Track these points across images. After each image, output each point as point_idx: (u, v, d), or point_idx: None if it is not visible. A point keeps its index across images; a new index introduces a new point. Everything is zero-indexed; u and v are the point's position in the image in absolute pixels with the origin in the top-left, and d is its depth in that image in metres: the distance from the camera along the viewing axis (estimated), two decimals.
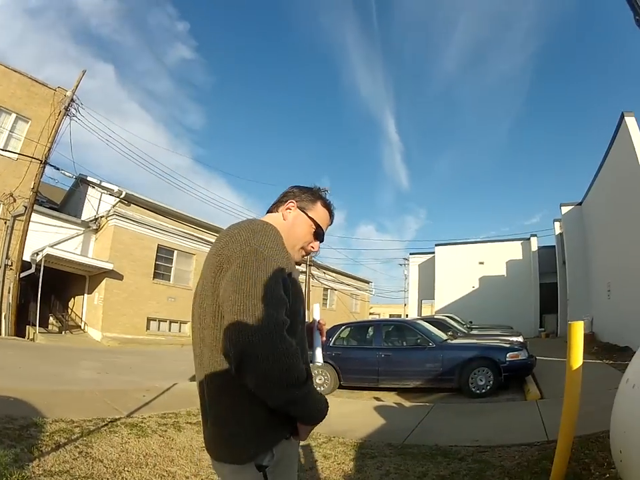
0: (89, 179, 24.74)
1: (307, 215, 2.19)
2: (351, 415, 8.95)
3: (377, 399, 10.92)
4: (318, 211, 2.23)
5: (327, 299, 43.42)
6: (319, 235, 2.23)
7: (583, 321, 4.59)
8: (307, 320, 2.15)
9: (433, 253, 38.71)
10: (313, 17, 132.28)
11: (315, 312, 2.35)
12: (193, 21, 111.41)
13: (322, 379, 11.83)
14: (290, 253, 1.97)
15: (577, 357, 4.29)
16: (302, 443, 6.00)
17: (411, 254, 44.28)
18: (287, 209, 2.20)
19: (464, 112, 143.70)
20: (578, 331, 4.34)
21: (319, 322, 2.25)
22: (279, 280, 1.69)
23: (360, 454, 6.21)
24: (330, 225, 2.36)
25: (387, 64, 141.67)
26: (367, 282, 54.19)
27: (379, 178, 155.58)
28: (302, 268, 36.71)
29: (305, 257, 2.44)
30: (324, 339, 2.25)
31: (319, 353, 2.18)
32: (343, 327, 13.44)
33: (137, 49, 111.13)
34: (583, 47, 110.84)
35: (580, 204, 25.87)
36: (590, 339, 20.21)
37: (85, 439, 5.97)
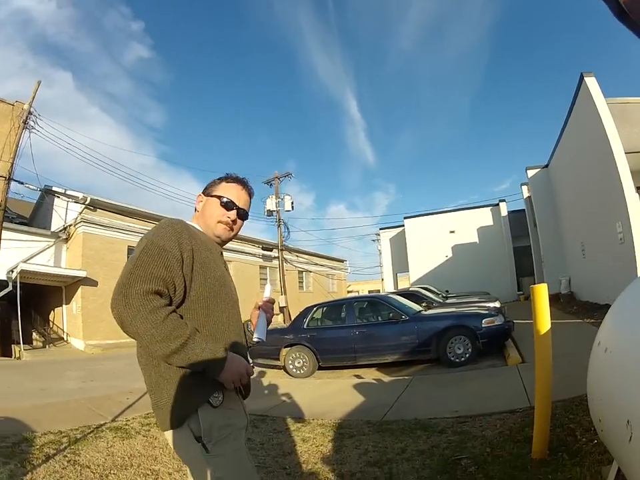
0: (54, 189, 24.25)
1: (211, 196, 2.45)
2: (330, 395, 8.91)
3: (357, 376, 10.88)
4: (222, 188, 2.47)
5: (302, 282, 43.50)
6: (227, 204, 2.41)
7: (545, 284, 4.46)
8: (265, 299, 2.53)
9: (403, 226, 38.57)
10: (267, 5, 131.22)
11: (265, 291, 2.60)
12: (147, 20, 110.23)
13: (300, 362, 11.78)
14: (212, 232, 2.41)
15: (543, 321, 4.20)
16: (280, 427, 5.89)
17: (380, 229, 44.13)
18: (197, 203, 2.52)
19: (424, 86, 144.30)
20: (541, 293, 4.23)
21: (263, 301, 2.50)
22: (161, 260, 1.97)
23: (338, 434, 6.14)
24: (247, 192, 2.55)
25: (344, 46, 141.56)
26: (342, 261, 54.62)
27: (345, 157, 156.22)
28: (273, 253, 36.78)
29: (230, 231, 2.48)
30: (270, 315, 2.49)
31: (258, 330, 2.39)
32: (315, 308, 13.23)
33: (94, 53, 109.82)
34: (542, 15, 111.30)
35: (546, 166, 25.94)
36: (569, 298, 20.61)
37: (72, 447, 6.05)
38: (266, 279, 36.31)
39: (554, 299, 19.91)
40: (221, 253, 2.49)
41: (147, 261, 1.95)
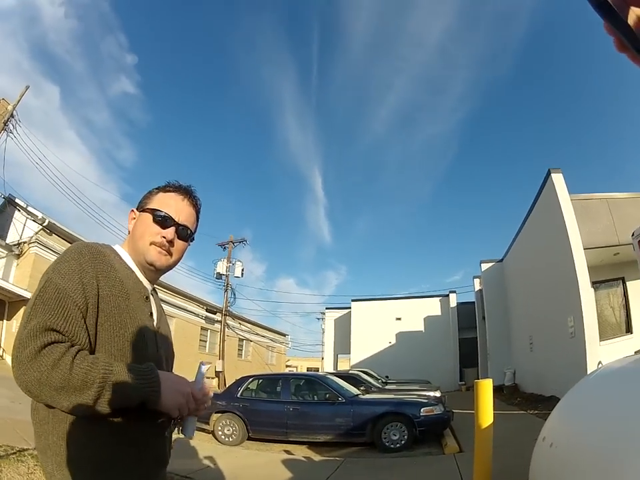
0: (17, 200, 23.84)
1: (143, 211, 1.89)
2: (258, 467, 8.64)
3: (287, 451, 10.57)
4: (158, 199, 1.90)
5: (242, 350, 42.91)
6: (162, 219, 1.84)
7: (490, 379, 4.39)
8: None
9: (349, 308, 38.73)
10: (256, 68, 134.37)
11: (197, 377, 1.80)
12: (141, 55, 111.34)
13: (230, 429, 11.50)
14: (143, 258, 1.83)
15: (485, 415, 4.14)
16: None
17: (327, 308, 44.19)
18: (130, 221, 1.95)
19: (389, 171, 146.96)
20: (486, 389, 4.18)
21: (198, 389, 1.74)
22: (58, 307, 1.51)
23: None
24: (191, 203, 1.97)
25: (320, 120, 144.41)
26: (284, 335, 54.25)
27: (303, 233, 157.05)
28: (217, 317, 36.49)
29: (167, 255, 1.87)
30: (200, 411, 1.77)
31: (189, 425, 1.77)
32: (252, 379, 13.16)
33: (85, 74, 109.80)
34: (511, 109, 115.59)
35: (501, 261, 26.53)
36: (513, 390, 20.90)
37: None
38: (206, 342, 35.84)
39: (497, 390, 19.99)
40: (147, 297, 1.87)
41: (41, 310, 1.49)
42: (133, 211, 1.95)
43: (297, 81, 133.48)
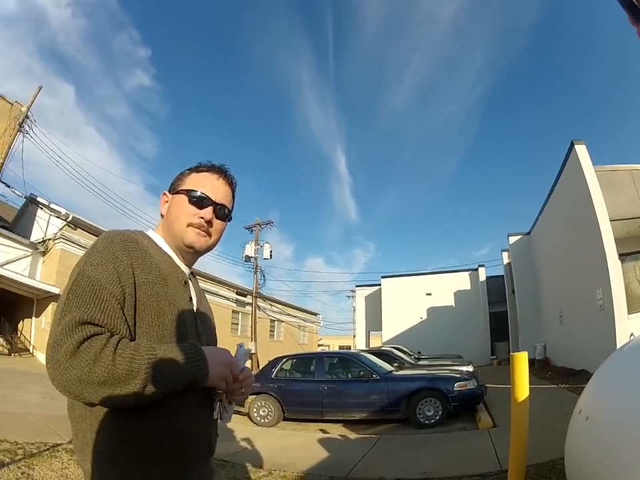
0: (38, 199, 23.97)
1: (178, 192, 1.82)
2: (294, 447, 8.66)
3: (323, 430, 10.66)
4: (192, 180, 1.83)
5: (274, 331, 42.89)
6: (199, 200, 1.77)
7: (526, 352, 4.38)
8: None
9: (379, 285, 38.63)
10: (271, 53, 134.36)
11: (236, 357, 1.71)
12: (154, 48, 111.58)
13: (265, 410, 11.61)
14: (181, 241, 1.76)
15: (521, 388, 4.12)
16: (240, 475, 5.50)
17: (357, 286, 44.07)
18: (162, 205, 1.87)
19: (412, 147, 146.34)
20: (521, 361, 4.16)
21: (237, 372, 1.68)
22: (94, 299, 1.43)
23: None
24: (227, 181, 1.89)
25: (340, 101, 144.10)
26: (315, 314, 53.98)
27: (329, 212, 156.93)
28: (247, 299, 36.61)
29: (207, 236, 1.80)
30: (240, 396, 1.74)
31: (228, 409, 1.74)
32: (286, 359, 13.24)
33: (99, 71, 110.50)
34: (532, 83, 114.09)
35: (528, 233, 26.24)
36: (544, 364, 20.61)
37: (27, 460, 5.98)
38: (237, 325, 36.19)
39: (528, 365, 19.81)
40: (186, 282, 1.80)
41: (76, 304, 1.41)
42: (165, 193, 1.89)
43: (313, 64, 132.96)
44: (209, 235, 1.80)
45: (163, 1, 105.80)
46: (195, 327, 1.74)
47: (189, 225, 1.75)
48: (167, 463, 1.50)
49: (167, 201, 1.85)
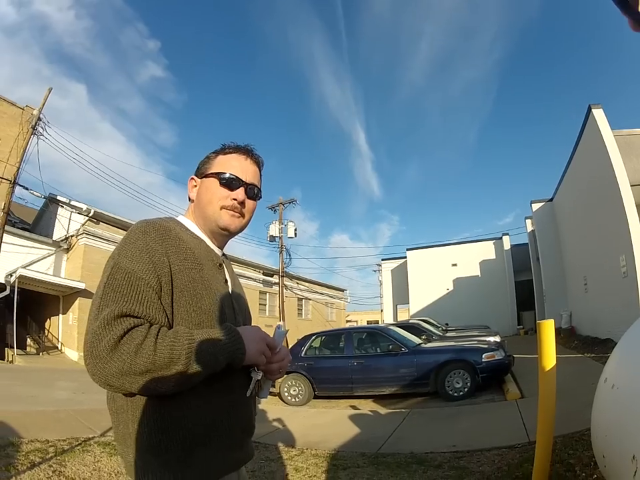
0: (58, 198, 24.25)
1: (207, 176, 1.82)
2: (325, 425, 8.76)
3: (353, 407, 10.77)
4: (219, 162, 1.83)
5: (301, 309, 43.11)
6: (230, 181, 1.78)
7: (552, 320, 4.35)
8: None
9: (405, 257, 38.62)
10: (282, 32, 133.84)
11: (275, 337, 1.74)
12: (163, 39, 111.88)
13: (296, 390, 11.72)
14: (215, 225, 1.77)
15: (549, 357, 4.10)
16: (273, 455, 5.54)
17: (382, 260, 44.26)
18: (191, 189, 1.88)
19: (432, 118, 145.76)
20: (548, 329, 4.14)
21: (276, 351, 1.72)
22: (131, 291, 1.45)
23: (332, 465, 6.01)
24: (254, 161, 1.89)
25: (355, 76, 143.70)
26: (342, 290, 54.04)
27: (351, 188, 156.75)
28: (274, 279, 36.72)
29: (240, 217, 1.82)
30: (274, 375, 1.76)
31: (265, 386, 1.81)
32: (314, 337, 13.28)
33: (109, 67, 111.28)
34: (547, 47, 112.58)
35: (551, 200, 25.94)
36: (570, 333, 20.47)
37: (58, 458, 5.94)
38: (265, 305, 36.40)
39: (555, 334, 19.75)
40: (220, 264, 1.82)
41: (113, 297, 1.43)
42: (192, 178, 1.89)
43: (326, 40, 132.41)
44: (242, 215, 1.82)
45: None
46: (232, 309, 1.77)
47: (222, 208, 1.77)
48: (209, 446, 1.54)
49: (196, 185, 1.86)
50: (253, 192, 1.84)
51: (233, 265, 2.00)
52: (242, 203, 1.79)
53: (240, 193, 1.78)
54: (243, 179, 1.79)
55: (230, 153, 1.85)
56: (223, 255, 1.95)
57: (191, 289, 1.58)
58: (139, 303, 1.44)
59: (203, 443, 1.52)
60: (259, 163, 1.91)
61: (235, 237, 1.95)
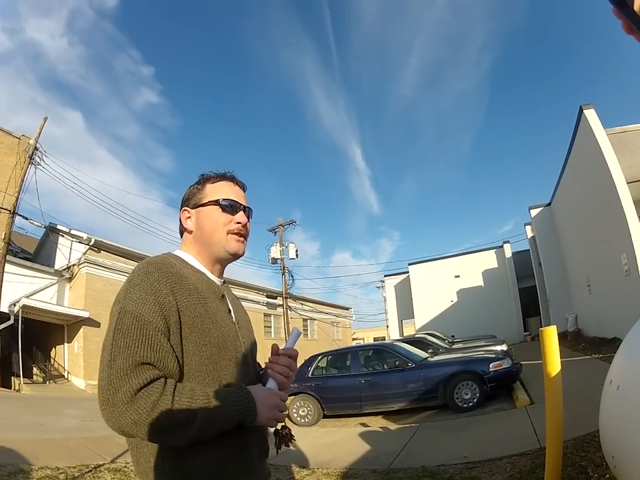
0: (58, 227, 24.34)
1: (203, 205, 1.82)
2: (336, 444, 8.75)
3: (363, 424, 10.72)
4: (211, 190, 1.84)
5: (307, 329, 42.67)
6: (230, 207, 1.81)
7: (554, 326, 4.36)
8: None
9: (407, 272, 38.58)
10: (273, 53, 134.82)
11: (289, 340, 1.89)
12: (157, 65, 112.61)
13: (305, 410, 11.67)
14: (223, 251, 1.79)
15: (553, 363, 4.11)
16: (284, 476, 5.52)
17: (385, 276, 44.09)
18: (185, 221, 1.86)
19: (426, 131, 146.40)
20: (550, 336, 4.14)
21: (280, 352, 1.83)
22: (142, 338, 1.46)
23: None
24: (241, 187, 1.94)
25: (348, 93, 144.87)
26: (347, 308, 53.63)
27: (350, 205, 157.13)
28: (278, 301, 36.59)
29: (243, 240, 1.85)
30: (284, 380, 1.77)
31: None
32: (320, 357, 13.23)
33: (104, 94, 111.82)
34: (535, 53, 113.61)
35: (549, 204, 25.97)
36: (576, 335, 20.53)
37: None
38: (270, 327, 36.13)
39: (561, 337, 19.51)
40: (223, 296, 1.83)
41: (124, 344, 1.45)
42: (185, 210, 1.87)
43: (317, 59, 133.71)
44: (244, 238, 1.86)
45: (159, 16, 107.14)
46: (237, 337, 1.78)
47: (229, 233, 1.79)
48: (229, 471, 1.56)
49: (189, 217, 1.85)
50: (250, 214, 1.90)
51: (236, 289, 2.01)
52: (244, 226, 1.83)
53: (242, 216, 1.82)
54: (242, 203, 1.85)
55: (218, 180, 1.88)
56: (223, 281, 1.95)
57: (198, 324, 1.59)
58: (150, 349, 1.45)
59: (224, 469, 1.55)
60: (244, 187, 1.96)
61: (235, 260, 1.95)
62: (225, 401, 1.49)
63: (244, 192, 1.95)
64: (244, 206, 1.85)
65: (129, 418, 1.36)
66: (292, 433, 1.86)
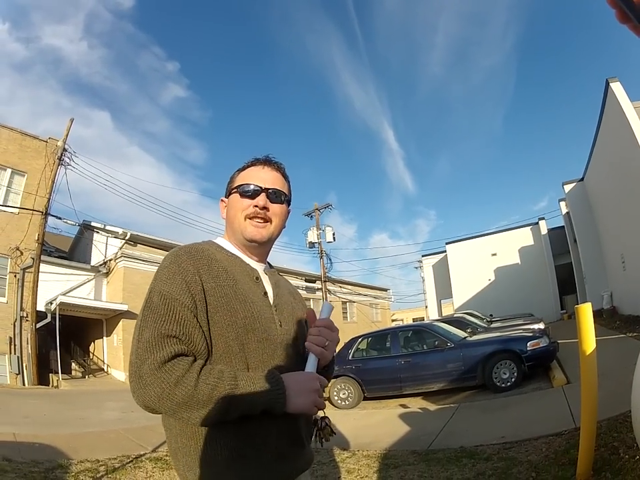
0: (92, 224, 24.72)
1: (230, 193, 1.87)
2: (376, 425, 8.88)
3: (403, 405, 10.81)
4: (240, 178, 1.87)
5: (346, 312, 42.52)
6: (248, 192, 1.79)
7: (589, 303, 4.38)
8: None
9: (445, 252, 38.34)
10: (299, 40, 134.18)
11: (321, 312, 1.83)
12: (181, 60, 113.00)
13: (345, 393, 11.81)
14: (243, 237, 1.79)
15: (588, 341, 4.13)
16: (325, 459, 5.64)
17: (423, 256, 43.79)
18: (222, 210, 1.94)
19: (457, 108, 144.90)
20: (586, 313, 4.15)
21: (315, 326, 1.78)
22: (169, 314, 1.51)
23: (384, 465, 6.12)
24: (273, 168, 1.89)
25: (376, 76, 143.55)
26: (385, 290, 53.26)
27: (385, 187, 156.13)
28: (317, 285, 36.73)
29: (265, 223, 1.79)
30: (326, 352, 1.75)
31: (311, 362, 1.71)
32: (360, 339, 13.33)
33: (131, 92, 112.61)
34: (560, 24, 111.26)
35: (582, 180, 25.67)
36: (612, 313, 20.19)
37: (110, 476, 6.04)
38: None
39: (596, 315, 19.26)
40: (257, 277, 1.82)
41: (152, 319, 1.50)
42: (222, 200, 1.94)
43: (343, 44, 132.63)
44: (268, 221, 1.81)
45: (178, 12, 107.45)
46: (273, 319, 1.74)
47: (246, 218, 1.78)
48: (257, 459, 1.55)
49: (225, 206, 1.90)
50: (277, 196, 1.84)
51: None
52: (264, 209, 1.78)
53: (260, 199, 1.78)
54: (262, 186, 1.80)
55: (248, 166, 1.88)
56: (269, 266, 1.97)
57: (224, 304, 1.60)
58: (177, 323, 1.49)
59: (250, 456, 1.55)
60: (279, 169, 1.91)
61: (273, 245, 1.96)
62: (253, 386, 1.49)
63: (279, 173, 1.90)
64: (266, 189, 1.80)
65: (152, 391, 1.40)
66: (332, 425, 1.84)
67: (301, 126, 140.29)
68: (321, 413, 1.78)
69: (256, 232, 1.77)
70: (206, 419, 1.44)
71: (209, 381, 1.43)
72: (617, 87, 15.52)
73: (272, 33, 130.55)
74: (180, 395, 1.40)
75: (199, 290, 1.57)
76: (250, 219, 1.78)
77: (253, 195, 1.78)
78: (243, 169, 1.89)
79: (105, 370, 23.58)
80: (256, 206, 1.77)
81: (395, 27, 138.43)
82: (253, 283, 1.78)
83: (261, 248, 1.87)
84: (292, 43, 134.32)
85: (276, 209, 1.82)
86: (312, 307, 28.10)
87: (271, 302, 1.80)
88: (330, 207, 35.09)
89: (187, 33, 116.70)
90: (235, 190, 1.83)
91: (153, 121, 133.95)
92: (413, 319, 62.14)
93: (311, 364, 1.70)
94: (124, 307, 22.10)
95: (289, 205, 1.93)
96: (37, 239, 20.60)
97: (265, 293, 1.81)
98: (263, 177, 1.83)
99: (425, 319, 39.65)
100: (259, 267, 1.87)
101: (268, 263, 1.98)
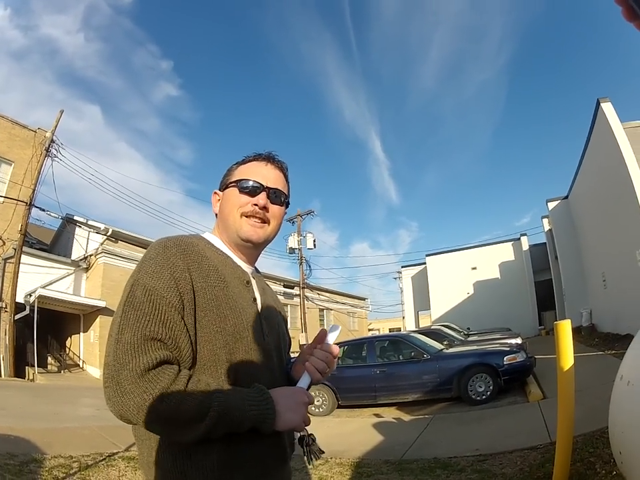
0: (75, 218, 24.59)
1: (228, 186, 1.73)
2: (350, 434, 8.82)
3: (377, 415, 10.81)
4: (239, 171, 1.74)
5: (323, 320, 42.73)
6: (250, 187, 1.68)
7: (569, 320, 4.39)
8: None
9: (425, 263, 38.45)
10: (294, 44, 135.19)
11: (328, 336, 1.70)
12: (176, 59, 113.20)
13: (319, 400, 11.73)
14: (237, 236, 1.66)
15: (566, 357, 4.14)
16: (297, 465, 5.55)
17: (402, 267, 43.84)
18: (214, 204, 1.80)
19: (446, 122, 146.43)
20: (565, 330, 4.17)
21: (319, 348, 1.67)
22: (153, 312, 1.35)
23: (357, 473, 6.09)
24: (276, 166, 1.78)
25: (368, 85, 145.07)
26: (363, 299, 53.80)
27: (370, 196, 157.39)
28: (295, 291, 36.78)
29: (263, 224, 1.69)
30: (319, 376, 1.63)
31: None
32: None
33: (123, 88, 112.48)
34: (553, 45, 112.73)
35: (566, 197, 25.85)
36: (590, 330, 20.34)
37: (82, 473, 5.97)
38: (287, 316, 36.12)
39: (575, 332, 19.35)
40: (248, 282, 1.71)
41: (134, 317, 1.34)
42: (215, 192, 1.81)
43: (337, 52, 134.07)
44: (266, 222, 1.71)
45: (177, 11, 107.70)
46: (261, 330, 1.65)
47: (242, 215, 1.67)
48: (246, 474, 1.46)
49: (219, 199, 1.78)
50: (277, 197, 1.74)
51: None
52: (264, 209, 1.68)
53: (261, 198, 1.67)
54: (264, 184, 1.69)
55: (249, 161, 1.77)
56: (255, 270, 1.86)
57: (214, 307, 1.48)
58: (162, 324, 1.35)
59: (229, 472, 1.42)
60: (282, 168, 1.82)
61: (265, 247, 1.86)
62: (241, 403, 1.37)
63: (281, 172, 1.81)
64: (268, 187, 1.70)
65: (132, 401, 1.25)
66: (318, 444, 1.65)
67: (289, 131, 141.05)
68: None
69: (253, 232, 1.67)
70: (188, 436, 1.31)
71: (195, 396, 1.31)
72: (607, 107, 15.63)
73: (266, 36, 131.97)
74: (163, 409, 1.26)
75: (188, 289, 1.44)
76: (247, 217, 1.67)
77: (253, 192, 1.68)
78: (243, 162, 1.78)
79: (81, 366, 23.38)
80: (255, 204, 1.66)
81: (390, 39, 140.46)
82: (243, 287, 1.68)
83: (254, 250, 1.78)
84: (286, 48, 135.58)
85: (275, 211, 1.73)
86: (289, 312, 28.04)
87: (259, 309, 1.71)
88: (312, 213, 35.30)
89: (182, 31, 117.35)
90: (233, 184, 1.71)
91: (144, 118, 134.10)
92: (390, 329, 62.57)
93: (304, 383, 1.61)
94: (102, 303, 21.98)
95: (287, 207, 1.84)
96: (19, 229, 20.44)
97: (254, 300, 1.71)
98: (264, 174, 1.73)
99: (402, 330, 39.74)
100: (248, 270, 1.77)
101: (255, 267, 1.87)
